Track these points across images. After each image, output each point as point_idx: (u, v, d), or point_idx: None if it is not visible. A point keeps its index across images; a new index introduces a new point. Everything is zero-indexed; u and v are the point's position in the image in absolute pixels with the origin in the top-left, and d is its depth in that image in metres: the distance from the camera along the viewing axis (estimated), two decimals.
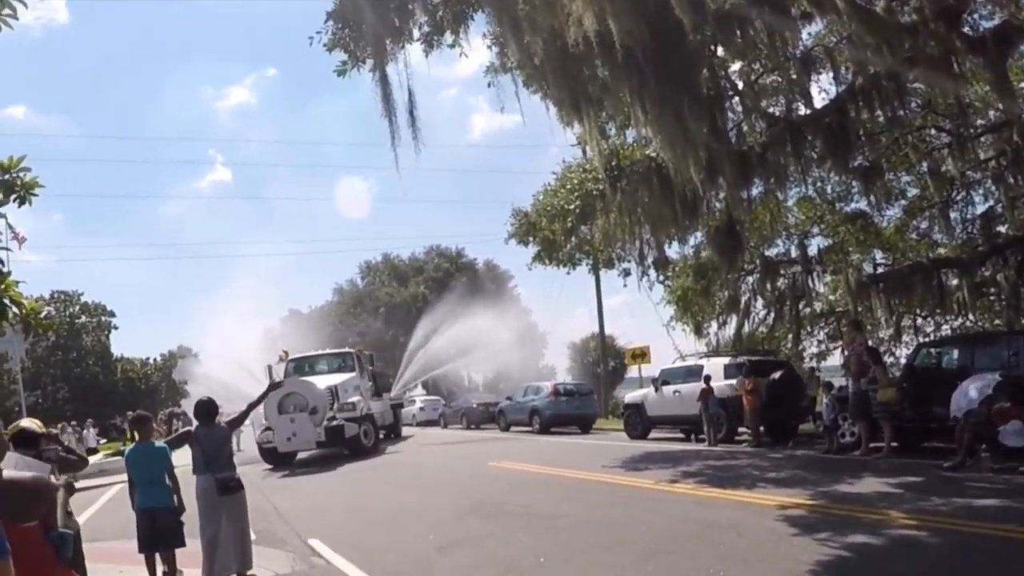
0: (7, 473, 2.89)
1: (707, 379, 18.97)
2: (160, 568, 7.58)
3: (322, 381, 21.66)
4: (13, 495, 2.83)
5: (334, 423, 20.36)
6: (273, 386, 10.93)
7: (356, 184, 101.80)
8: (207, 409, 7.87)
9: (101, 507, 15.11)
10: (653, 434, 22.04)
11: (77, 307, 49.40)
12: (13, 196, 5.59)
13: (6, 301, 5.34)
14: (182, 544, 7.58)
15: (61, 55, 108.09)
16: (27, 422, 5.79)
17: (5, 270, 5.44)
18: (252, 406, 8.87)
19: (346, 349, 25.91)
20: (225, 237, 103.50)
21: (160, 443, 7.65)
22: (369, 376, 25.37)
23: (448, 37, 11.06)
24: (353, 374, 23.14)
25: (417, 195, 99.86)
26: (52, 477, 4.80)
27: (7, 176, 5.55)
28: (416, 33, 10.90)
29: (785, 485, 11.63)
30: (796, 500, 10.17)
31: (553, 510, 10.73)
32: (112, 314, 52.19)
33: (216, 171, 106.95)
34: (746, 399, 18.09)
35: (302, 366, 24.20)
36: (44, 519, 2.91)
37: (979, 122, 17.31)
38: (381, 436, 25.06)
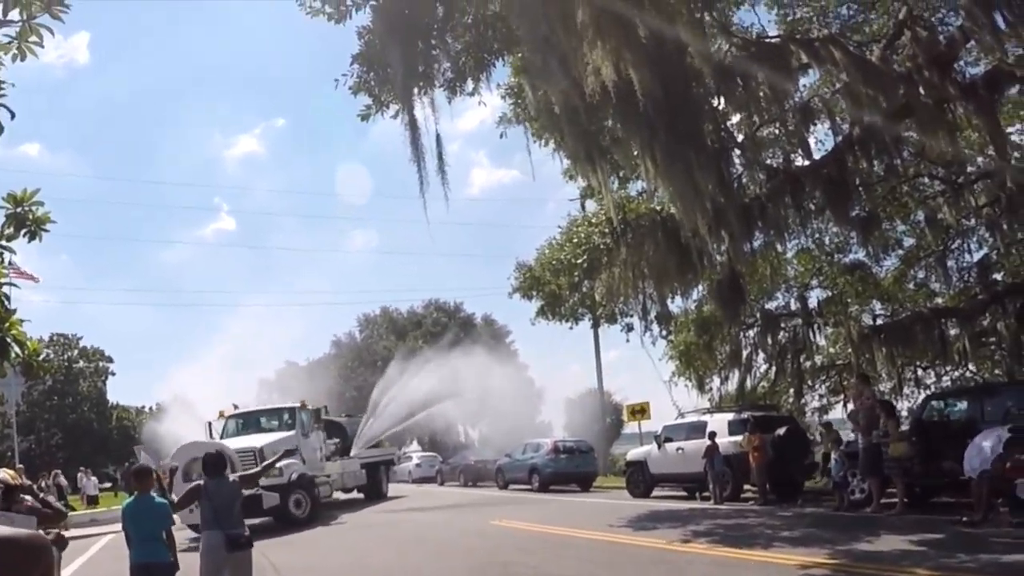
0: (1, 530, 2.63)
1: (712, 435, 18.66)
2: None
3: (246, 442, 19.45)
4: (8, 555, 2.56)
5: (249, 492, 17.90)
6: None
7: (359, 236, 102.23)
8: (215, 462, 7.64)
9: (91, 557, 14.62)
10: (656, 492, 21.62)
11: (76, 351, 48.87)
12: (24, 231, 5.42)
13: (8, 340, 5.13)
14: None
15: (78, 95, 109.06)
16: (5, 475, 5.50)
17: (10, 307, 5.24)
18: (268, 467, 8.55)
19: (288, 404, 22.66)
20: (226, 286, 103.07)
21: (160, 499, 7.27)
22: (320, 433, 22.64)
23: (469, 84, 11.11)
24: (289, 433, 20.49)
25: (419, 248, 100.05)
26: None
27: (19, 209, 5.39)
28: (439, 79, 10.95)
29: (801, 544, 11.31)
30: (816, 560, 9.87)
31: (566, 571, 10.38)
32: (110, 360, 51.64)
33: (221, 219, 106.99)
34: (752, 456, 17.76)
35: (242, 424, 21.92)
36: None
37: (970, 169, 17.44)
38: (355, 496, 24.45)
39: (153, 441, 31.69)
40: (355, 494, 27.07)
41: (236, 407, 22.65)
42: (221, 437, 20.47)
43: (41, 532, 3.16)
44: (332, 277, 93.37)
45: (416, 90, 10.35)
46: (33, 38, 5.01)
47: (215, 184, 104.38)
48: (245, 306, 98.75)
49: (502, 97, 13.48)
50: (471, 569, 10.98)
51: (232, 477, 7.70)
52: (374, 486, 26.95)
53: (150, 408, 54.62)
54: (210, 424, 21.91)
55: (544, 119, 11.85)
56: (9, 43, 4.97)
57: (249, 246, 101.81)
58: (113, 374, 52.15)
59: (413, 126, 10.50)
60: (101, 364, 50.40)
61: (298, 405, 21.77)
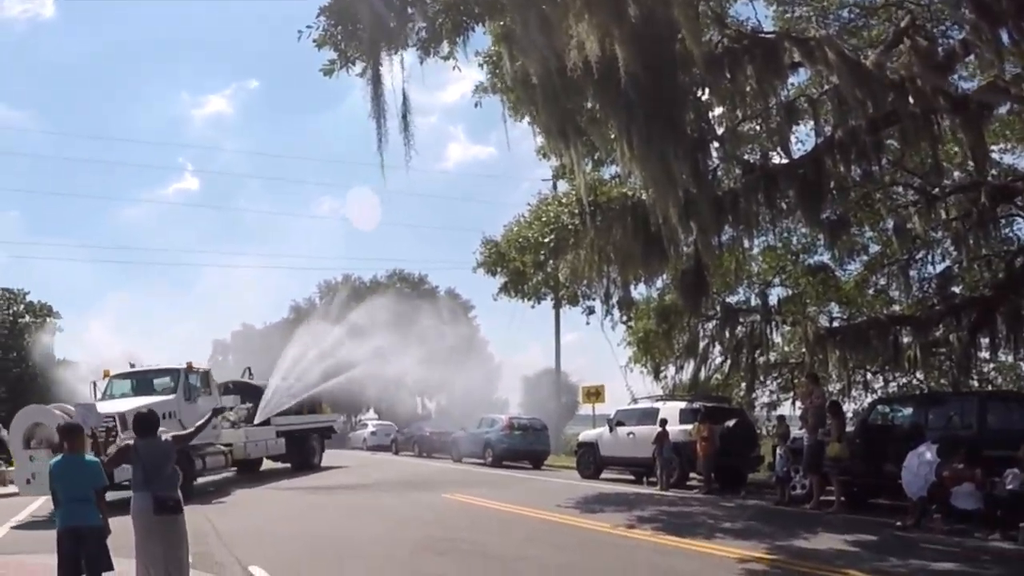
0: None
1: (663, 423, 18.84)
2: None
3: (110, 407, 17.35)
4: None
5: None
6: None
7: (325, 203, 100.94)
8: (147, 421, 7.28)
9: (26, 519, 14.20)
10: (604, 474, 21.85)
11: (21, 306, 47.61)
12: None
13: None
14: (110, 568, 6.75)
15: (43, 50, 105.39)
16: None
17: None
18: (200, 427, 8.23)
19: (173, 365, 19.92)
20: (186, 246, 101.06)
21: (91, 457, 6.98)
22: (217, 397, 20.34)
23: (444, 47, 10.78)
24: (167, 397, 18.38)
25: (386, 218, 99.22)
26: None
27: None
28: (413, 39, 10.61)
29: (741, 536, 11.49)
30: (755, 554, 10.03)
31: (511, 551, 10.38)
32: (58, 315, 50.37)
33: (184, 179, 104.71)
34: (700, 445, 17.98)
35: (125, 385, 19.73)
36: None
37: (946, 182, 17.66)
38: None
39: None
40: (274, 464, 24.87)
41: (132, 366, 20.50)
42: (103, 398, 18.83)
43: None
44: (295, 242, 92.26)
45: (384, 46, 10.02)
46: None
47: (181, 143, 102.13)
48: (204, 267, 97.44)
49: (480, 65, 13.17)
50: (417, 543, 10.90)
51: (165, 437, 7.29)
52: (301, 456, 24.85)
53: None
54: (94, 384, 20.13)
55: (520, 90, 11.62)
56: None
57: (212, 207, 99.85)
58: (61, 330, 50.87)
59: (376, 81, 10.19)
60: (49, 320, 49.23)
61: (183, 366, 19.44)
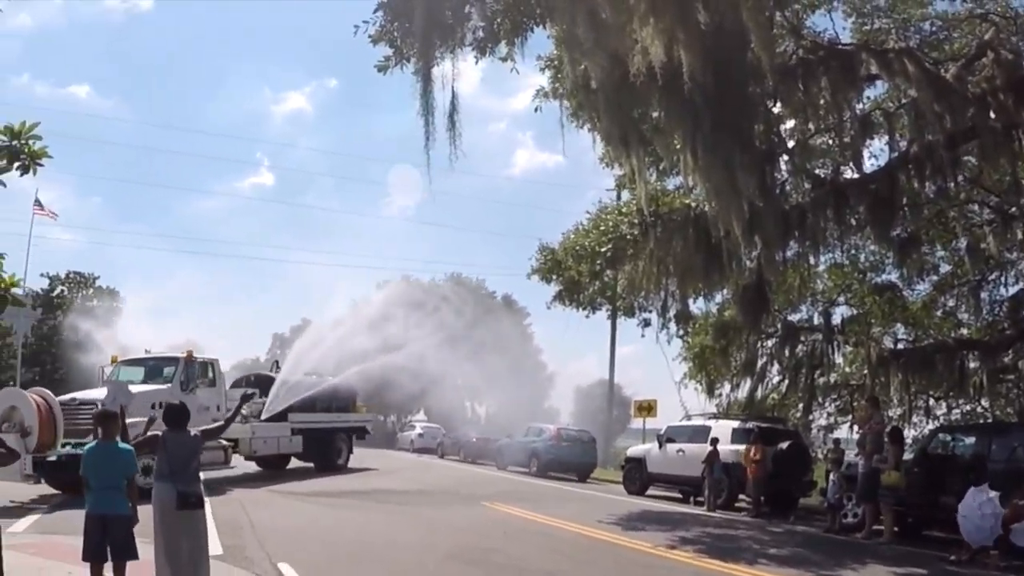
0: None
1: (714, 441, 18.33)
2: None
3: (91, 394, 16.73)
4: None
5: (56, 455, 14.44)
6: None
7: (392, 203, 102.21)
8: (177, 413, 7.31)
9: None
10: (651, 491, 21.40)
11: (91, 290, 49.20)
12: (17, 164, 5.21)
13: None
14: (135, 556, 6.79)
15: (136, 41, 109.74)
16: None
17: None
18: (230, 419, 8.18)
19: (174, 354, 18.93)
20: (256, 239, 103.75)
21: (125, 445, 6.92)
22: (221, 389, 19.19)
23: (502, 48, 10.57)
24: (159, 387, 17.37)
25: (448, 221, 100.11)
26: None
27: (14, 143, 5.18)
28: (469, 37, 10.43)
29: (787, 564, 11.06)
30: None
31: (544, 566, 10.11)
32: (123, 301, 51.85)
33: (260, 174, 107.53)
34: (751, 467, 17.40)
35: (132, 373, 18.77)
36: None
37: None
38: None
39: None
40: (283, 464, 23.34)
41: (148, 351, 19.83)
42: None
43: None
44: (361, 241, 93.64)
45: (439, 44, 9.84)
46: None
47: (259, 139, 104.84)
48: (272, 261, 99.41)
49: (541, 70, 12.93)
50: (450, 551, 10.72)
51: (194, 431, 7.31)
52: (324, 456, 23.50)
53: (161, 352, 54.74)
54: (102, 369, 19.46)
55: (581, 96, 11.34)
56: None
57: (284, 202, 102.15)
58: (125, 315, 52.38)
59: (426, 77, 10.02)
60: (116, 305, 50.73)
61: (183, 355, 18.32)
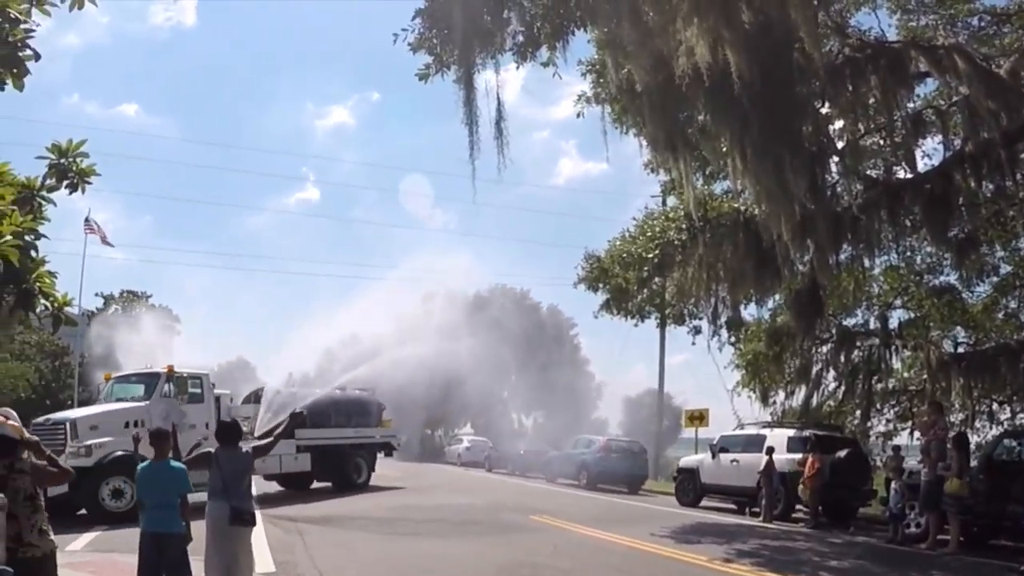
0: None
1: (770, 451, 17.92)
2: None
3: (63, 414, 16.32)
4: None
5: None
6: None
7: (437, 216, 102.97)
8: (230, 431, 7.41)
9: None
10: (704, 502, 21.01)
11: (143, 309, 50.35)
12: (66, 182, 5.28)
13: (35, 291, 4.98)
14: (189, 574, 6.91)
15: (181, 58, 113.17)
16: (6, 428, 5.26)
17: (40, 257, 5.10)
18: (280, 436, 8.22)
19: (154, 369, 17.79)
20: (304, 255, 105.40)
21: (177, 464, 7.00)
22: (209, 406, 17.74)
23: (543, 53, 10.45)
24: (133, 404, 16.64)
25: (492, 232, 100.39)
26: None
27: (63, 161, 5.24)
28: (509, 43, 10.33)
29: None
30: None
31: None
32: (177, 319, 52.96)
33: (306, 189, 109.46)
34: (809, 476, 16.90)
35: (124, 389, 18.17)
36: None
37: None
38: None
39: None
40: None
41: (149, 367, 18.59)
42: (103, 401, 17.83)
43: None
44: (406, 253, 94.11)
45: (479, 50, 9.75)
46: None
47: (304, 153, 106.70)
48: (320, 276, 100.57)
49: (582, 75, 12.76)
50: (500, 567, 10.57)
51: (245, 448, 7.39)
52: (338, 474, 21.86)
53: (212, 369, 55.74)
54: (99, 387, 19.00)
55: (625, 100, 11.16)
56: None
57: (330, 217, 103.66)
58: (179, 333, 53.40)
59: (468, 84, 9.95)
60: (167, 323, 51.76)
61: (163, 370, 17.20)
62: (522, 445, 36.22)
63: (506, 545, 12.64)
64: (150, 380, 17.29)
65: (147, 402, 16.45)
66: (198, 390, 17.59)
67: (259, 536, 12.28)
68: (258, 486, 19.10)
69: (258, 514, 7.63)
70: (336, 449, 21.51)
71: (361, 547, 12.33)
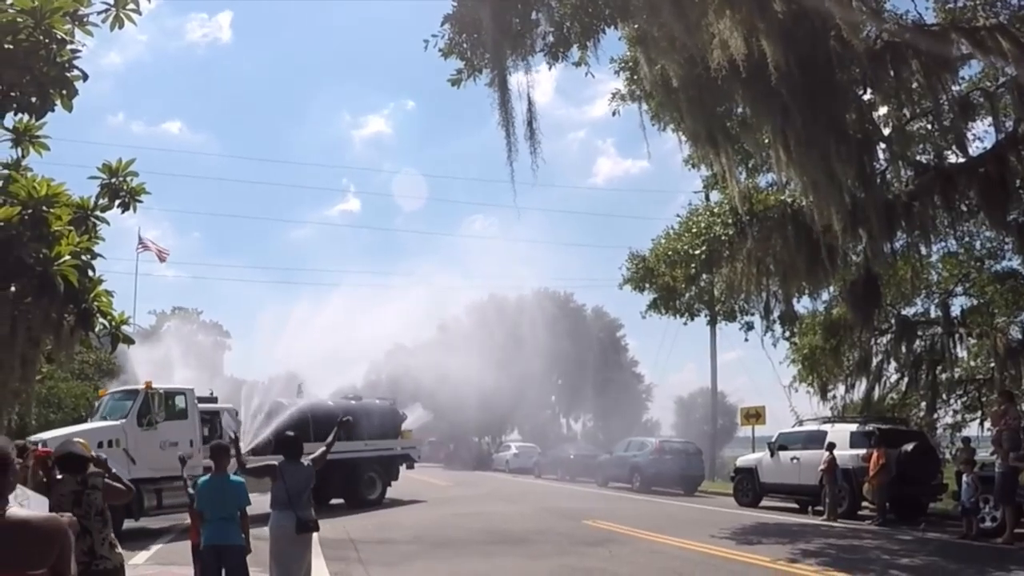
0: (16, 511, 2.34)
1: (831, 447, 17.52)
2: None
3: (49, 434, 14.91)
4: (21, 539, 2.28)
5: None
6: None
7: (477, 221, 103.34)
8: (293, 445, 7.64)
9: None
10: (764, 502, 20.58)
11: (195, 325, 51.50)
12: (118, 202, 5.42)
13: (94, 310, 5.12)
14: None
15: (220, 73, 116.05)
16: (76, 446, 5.43)
17: (96, 276, 5.24)
18: (331, 445, 8.22)
19: (133, 387, 16.92)
20: (348, 266, 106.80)
21: (237, 478, 7.24)
22: (193, 423, 16.57)
23: (574, 53, 10.43)
24: (107, 424, 15.78)
25: (533, 236, 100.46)
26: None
27: (113, 180, 5.39)
28: (540, 44, 10.33)
29: (922, 575, 10.37)
30: None
31: None
32: (227, 334, 54.09)
33: (347, 200, 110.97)
34: (874, 472, 16.45)
35: (107, 406, 17.20)
36: (54, 566, 2.38)
37: None
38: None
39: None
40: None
41: (149, 383, 17.32)
42: (94, 418, 17.09)
43: (56, 515, 2.91)
44: (448, 261, 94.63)
45: (510, 53, 9.76)
46: (130, 5, 4.97)
47: (343, 164, 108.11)
48: (364, 286, 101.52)
49: (615, 72, 12.68)
50: (554, 572, 10.53)
51: (306, 462, 7.62)
52: (347, 489, 20.39)
53: (263, 383, 56.74)
54: (95, 404, 18.49)
55: (662, 96, 11.04)
56: (106, 10, 4.96)
57: (372, 227, 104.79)
58: (230, 349, 54.43)
59: (503, 87, 9.97)
60: (218, 338, 52.84)
61: (141, 387, 16.32)
62: (571, 449, 35.90)
63: (558, 552, 12.52)
64: (127, 396, 16.56)
65: (123, 421, 15.68)
66: (182, 406, 16.68)
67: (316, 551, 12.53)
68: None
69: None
70: (344, 464, 18.96)
71: (413, 552, 12.37)
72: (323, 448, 8.04)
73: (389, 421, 22.33)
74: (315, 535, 7.64)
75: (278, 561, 7.18)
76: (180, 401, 16.68)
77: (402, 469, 22.76)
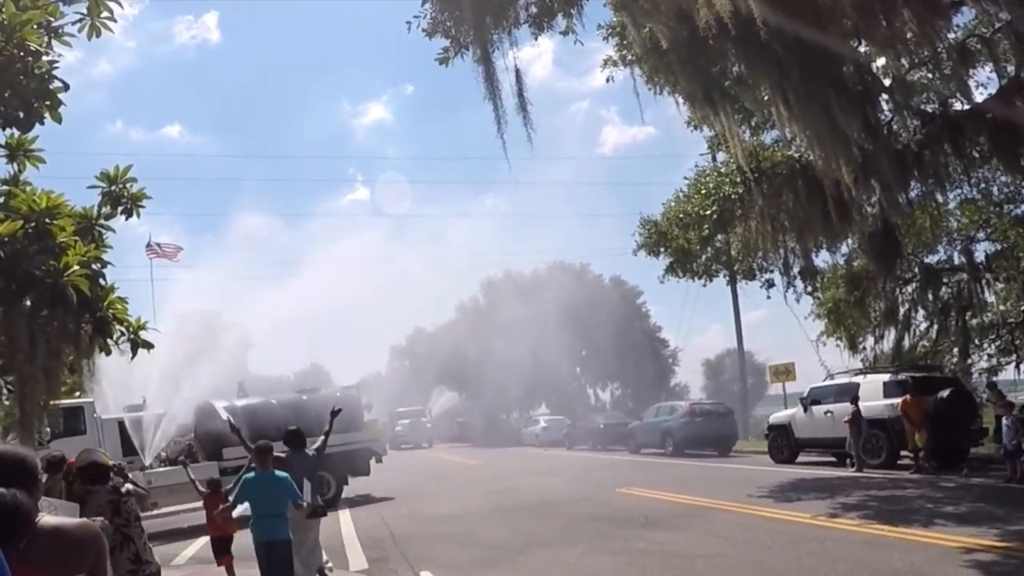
0: (50, 519, 2.39)
1: (855, 400, 17.42)
2: None
3: None
4: (57, 545, 2.33)
5: None
6: (335, 413, 9.27)
7: (487, 200, 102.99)
8: (298, 437, 8.32)
9: None
10: (801, 458, 20.44)
11: (217, 325, 51.89)
12: (120, 208, 5.47)
13: (110, 318, 5.19)
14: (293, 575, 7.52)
15: (212, 74, 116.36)
16: (99, 454, 5.53)
17: (109, 284, 5.30)
18: (327, 434, 8.75)
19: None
20: (362, 255, 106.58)
21: (282, 474, 7.41)
22: (78, 437, 15.21)
23: (560, 22, 10.33)
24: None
25: (545, 209, 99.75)
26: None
27: (113, 188, 5.44)
28: (523, 15, 10.23)
29: (967, 522, 10.11)
30: (983, 541, 8.77)
31: (692, 548, 9.69)
32: (249, 332, 54.49)
33: (356, 190, 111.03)
34: (914, 419, 16.21)
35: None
36: (92, 571, 2.42)
37: None
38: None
39: None
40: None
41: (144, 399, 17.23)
42: None
43: (89, 520, 2.95)
44: (461, 241, 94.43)
45: (492, 25, 9.66)
46: (104, 14, 4.97)
47: (347, 155, 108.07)
48: (378, 273, 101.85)
49: (604, 39, 12.51)
50: (590, 541, 10.56)
51: (311, 451, 8.27)
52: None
53: (287, 378, 57.29)
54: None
55: (653, 59, 10.86)
56: (81, 20, 4.97)
57: (382, 214, 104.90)
58: (253, 346, 54.83)
59: (486, 60, 9.88)
60: (240, 336, 53.28)
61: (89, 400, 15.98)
62: (601, 419, 35.89)
63: (594, 519, 12.57)
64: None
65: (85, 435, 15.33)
66: (79, 423, 16.05)
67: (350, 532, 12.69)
68: None
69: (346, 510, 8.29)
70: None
71: (444, 533, 12.47)
72: (322, 438, 8.60)
73: (346, 413, 18.54)
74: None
75: (296, 543, 7.61)
76: (76, 416, 16.07)
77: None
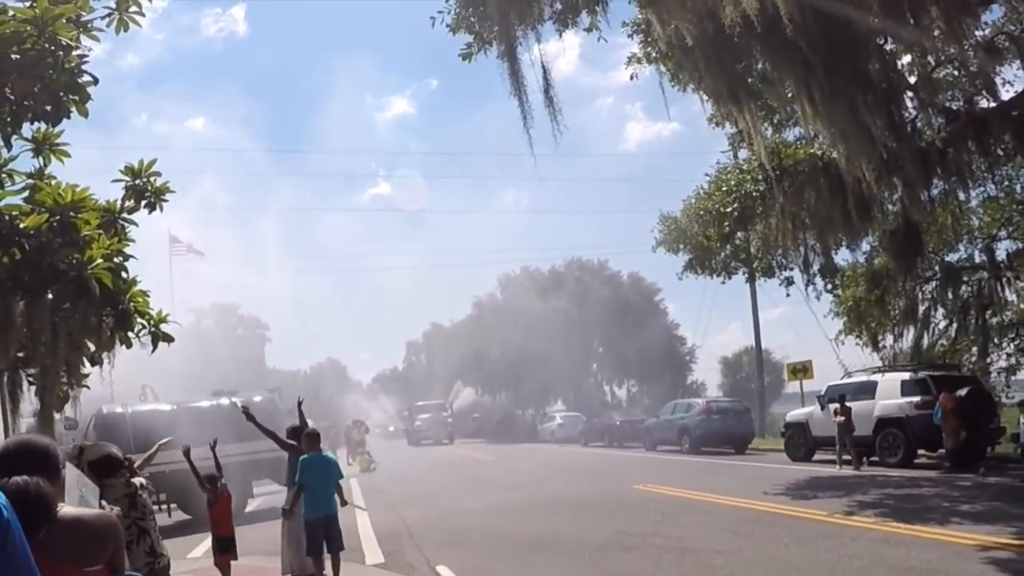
0: (69, 510, 2.43)
1: (842, 399, 17.72)
2: (328, 569, 8.16)
3: None
4: (76, 536, 2.37)
5: None
6: (300, 402, 9.46)
7: (508, 195, 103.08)
8: (301, 432, 8.71)
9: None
10: (818, 456, 20.33)
11: (234, 319, 52.27)
12: (144, 202, 5.53)
13: (131, 311, 5.24)
14: (343, 547, 8.22)
15: (240, 67, 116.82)
16: (112, 447, 5.59)
17: (131, 278, 5.35)
18: (270, 434, 8.97)
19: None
20: (383, 250, 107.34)
21: (330, 455, 8.30)
22: None
23: (584, 19, 10.34)
24: None
25: (566, 205, 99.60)
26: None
27: (137, 181, 5.49)
28: (548, 12, 10.25)
29: (984, 520, 10.07)
30: (1000, 539, 8.74)
31: (709, 545, 9.67)
32: (266, 327, 54.96)
33: (378, 184, 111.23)
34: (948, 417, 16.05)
35: None
36: (110, 562, 2.45)
37: None
38: None
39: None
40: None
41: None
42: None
43: (107, 511, 2.99)
44: (480, 237, 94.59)
45: (517, 22, 9.69)
46: (133, 8, 5.02)
47: (370, 150, 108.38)
48: (398, 268, 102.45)
49: (628, 36, 12.49)
50: (605, 538, 10.54)
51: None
52: (183, 506, 15.56)
53: (304, 371, 57.65)
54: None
55: (678, 56, 10.85)
56: (110, 14, 5.02)
57: (403, 210, 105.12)
58: (270, 340, 55.27)
59: (511, 56, 9.91)
60: (258, 331, 53.73)
61: None
62: (617, 416, 35.82)
63: (611, 515, 12.57)
64: None
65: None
66: None
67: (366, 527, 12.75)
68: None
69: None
70: (175, 477, 12.64)
71: (460, 527, 12.47)
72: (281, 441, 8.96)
73: (260, 418, 16.03)
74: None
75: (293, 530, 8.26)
76: None
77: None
